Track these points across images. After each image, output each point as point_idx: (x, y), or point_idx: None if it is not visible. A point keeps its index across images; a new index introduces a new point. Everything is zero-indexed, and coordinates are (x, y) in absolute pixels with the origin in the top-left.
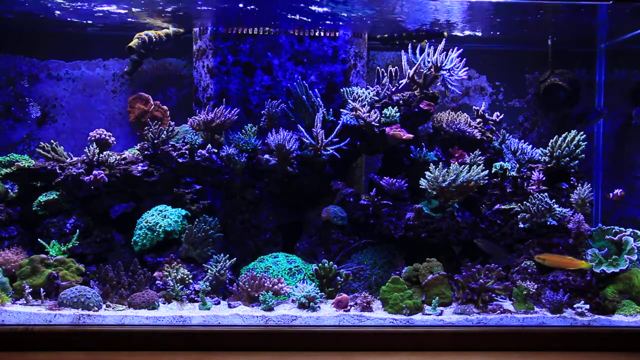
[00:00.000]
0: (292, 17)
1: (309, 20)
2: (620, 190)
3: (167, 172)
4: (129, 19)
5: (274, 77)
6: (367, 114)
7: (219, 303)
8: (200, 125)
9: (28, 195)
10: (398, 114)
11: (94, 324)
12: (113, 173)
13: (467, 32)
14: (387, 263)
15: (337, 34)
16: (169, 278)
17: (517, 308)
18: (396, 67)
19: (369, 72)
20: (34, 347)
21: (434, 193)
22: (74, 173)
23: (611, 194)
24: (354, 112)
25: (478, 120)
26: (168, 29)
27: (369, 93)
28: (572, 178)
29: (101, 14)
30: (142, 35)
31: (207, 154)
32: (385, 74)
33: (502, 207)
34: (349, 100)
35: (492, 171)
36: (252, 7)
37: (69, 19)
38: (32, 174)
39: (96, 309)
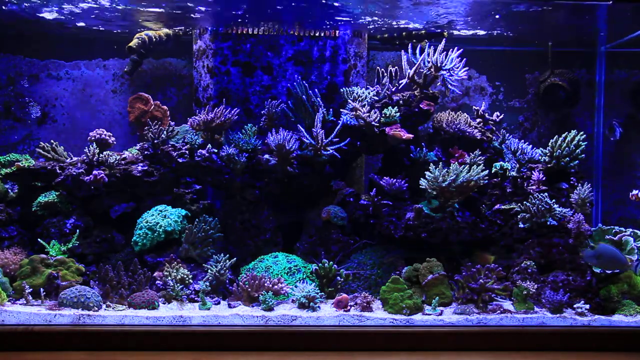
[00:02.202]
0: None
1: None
2: (638, 191)
3: (167, 172)
4: (128, 19)
5: (274, 77)
6: (367, 114)
7: (219, 303)
8: (200, 125)
9: (28, 195)
10: (398, 114)
11: (94, 324)
12: (113, 173)
13: (467, 32)
14: (386, 263)
15: (337, 34)
16: (169, 278)
17: (517, 308)
18: (396, 67)
19: (369, 72)
20: (34, 347)
21: (434, 193)
22: (74, 173)
23: (633, 196)
24: (354, 112)
25: (478, 120)
26: (168, 29)
27: (369, 93)
28: (572, 178)
29: (100, 15)
30: (142, 35)
31: (207, 154)
32: (385, 74)
33: (502, 207)
34: (349, 100)
35: (492, 171)
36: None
37: (71, 22)
38: (32, 174)
39: (96, 309)
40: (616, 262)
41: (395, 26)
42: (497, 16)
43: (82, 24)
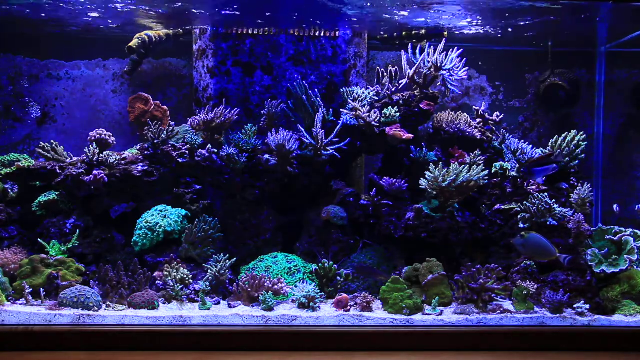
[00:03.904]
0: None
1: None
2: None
3: (167, 172)
4: (129, 19)
5: (274, 77)
6: (367, 114)
7: (219, 303)
8: (200, 125)
9: (28, 195)
10: (398, 114)
11: (94, 324)
12: (113, 173)
13: (467, 32)
14: (386, 263)
15: (337, 34)
16: (169, 278)
17: (517, 308)
18: (396, 67)
19: (369, 72)
20: (34, 347)
21: (434, 193)
22: (74, 173)
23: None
24: (354, 112)
25: (478, 120)
26: (168, 29)
27: (369, 93)
28: (572, 178)
29: (100, 14)
30: (142, 35)
31: (207, 154)
32: (385, 74)
33: (502, 207)
34: (348, 100)
35: (492, 171)
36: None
37: (70, 20)
38: (32, 174)
39: (96, 309)
40: (543, 252)
41: (396, 26)
42: (497, 17)
43: (81, 23)
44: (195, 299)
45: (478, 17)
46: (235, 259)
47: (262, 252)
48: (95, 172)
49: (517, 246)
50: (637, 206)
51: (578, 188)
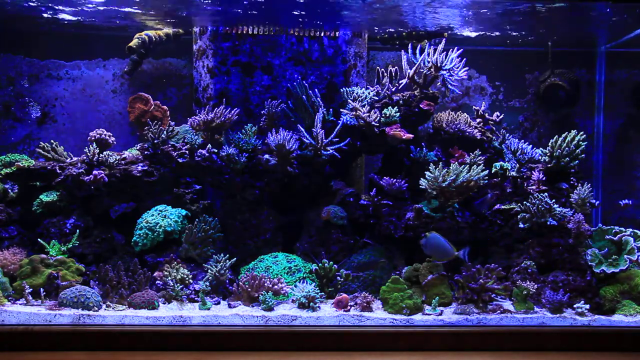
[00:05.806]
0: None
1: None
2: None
3: (167, 172)
4: (129, 19)
5: (274, 77)
6: (367, 114)
7: (219, 303)
8: (200, 125)
9: (28, 195)
10: (398, 114)
11: (94, 324)
12: (113, 173)
13: (467, 33)
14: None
15: (337, 34)
16: (169, 278)
17: (517, 308)
18: (396, 67)
19: (369, 72)
20: (34, 347)
21: (434, 193)
22: (74, 173)
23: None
24: (354, 112)
25: (478, 120)
26: (168, 29)
27: (369, 93)
28: (572, 178)
29: (100, 14)
30: (142, 35)
31: (207, 154)
32: (385, 74)
33: (502, 207)
34: (348, 100)
35: (492, 171)
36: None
37: (67, 20)
38: (32, 174)
39: (96, 309)
40: (442, 252)
41: (396, 26)
42: (496, 16)
43: (81, 22)
44: (195, 299)
45: (480, 25)
46: (235, 259)
47: (262, 252)
48: (95, 172)
49: (422, 246)
50: (621, 202)
51: (578, 188)
